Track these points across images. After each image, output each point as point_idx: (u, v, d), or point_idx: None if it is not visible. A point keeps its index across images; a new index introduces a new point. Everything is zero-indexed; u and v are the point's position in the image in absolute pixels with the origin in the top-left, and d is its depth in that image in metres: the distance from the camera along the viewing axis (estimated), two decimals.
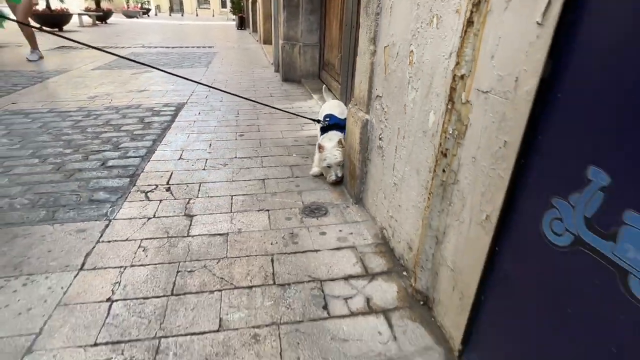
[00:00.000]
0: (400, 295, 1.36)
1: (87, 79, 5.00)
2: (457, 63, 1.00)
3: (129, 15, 24.24)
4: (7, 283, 1.35)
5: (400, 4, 1.37)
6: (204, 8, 39.63)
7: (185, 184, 2.14)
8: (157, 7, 36.34)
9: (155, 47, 8.73)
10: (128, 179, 2.17)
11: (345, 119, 2.18)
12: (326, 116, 2.44)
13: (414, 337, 1.19)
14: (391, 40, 1.47)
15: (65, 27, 12.07)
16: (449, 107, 1.05)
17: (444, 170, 1.11)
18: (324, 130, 2.36)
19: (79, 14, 14.25)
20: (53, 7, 11.61)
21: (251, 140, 2.87)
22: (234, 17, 17.29)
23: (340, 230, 1.75)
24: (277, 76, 5.45)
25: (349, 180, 2.05)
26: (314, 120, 2.59)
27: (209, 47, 9.16)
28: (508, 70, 0.82)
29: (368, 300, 1.34)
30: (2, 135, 2.84)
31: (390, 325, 1.23)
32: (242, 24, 15.37)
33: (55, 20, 11.62)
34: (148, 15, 28.22)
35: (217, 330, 1.19)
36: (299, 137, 2.95)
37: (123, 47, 8.48)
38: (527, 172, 0.76)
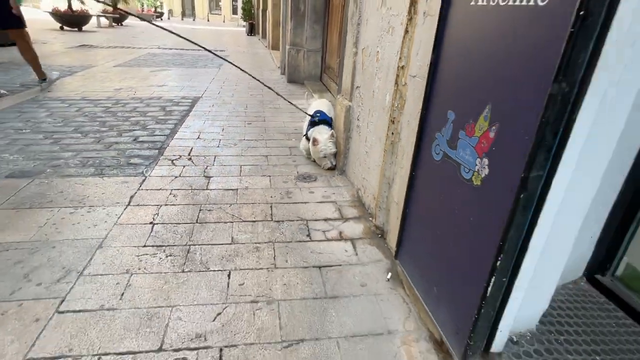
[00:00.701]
0: (365, 231, 1.84)
1: (111, 74, 5.53)
2: (400, 59, 1.49)
3: (143, 18, 25.04)
4: (76, 210, 1.84)
5: (372, 17, 1.87)
6: (216, 14, 40.59)
7: (203, 156, 2.64)
8: (170, 11, 37.34)
9: (170, 49, 9.31)
10: (157, 150, 2.67)
11: (331, 117, 2.68)
12: (316, 112, 2.73)
13: (370, 254, 1.67)
14: (366, 44, 1.97)
15: (84, 28, 12.73)
16: (396, 88, 1.54)
17: (392, 133, 1.59)
18: (312, 124, 2.65)
19: (97, 16, 14.95)
20: (75, 7, 12.28)
21: (257, 128, 3.36)
22: (244, 23, 17.98)
23: (325, 191, 2.23)
24: (283, 78, 5.97)
25: (336, 156, 2.54)
26: (307, 113, 2.98)
27: (221, 50, 9.73)
28: (424, 61, 1.31)
29: (340, 232, 1.82)
30: (47, 116, 3.35)
31: (355, 247, 1.71)
32: (252, 30, 16.02)
33: (76, 21, 12.29)
34: (161, 19, 29.08)
35: (230, 244, 1.67)
36: (299, 127, 3.44)
37: (140, 48, 9.06)
38: (424, 122, 1.25)
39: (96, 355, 1.10)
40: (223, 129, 3.26)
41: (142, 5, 27.86)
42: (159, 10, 31.03)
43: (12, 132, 2.86)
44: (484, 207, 0.93)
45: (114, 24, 16.67)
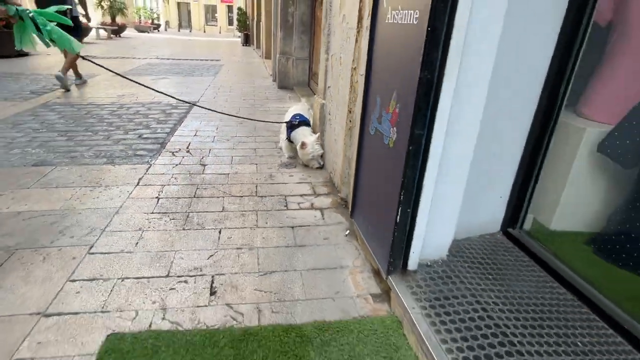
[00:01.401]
0: (332, 203, 2.24)
1: (113, 82, 5.95)
2: (353, 61, 1.92)
3: (140, 30, 25.64)
4: (94, 189, 2.24)
5: (337, 30, 2.30)
6: (212, 25, 41.33)
7: (200, 149, 3.04)
8: (167, 23, 38.02)
9: (168, 59, 9.76)
10: (159, 145, 3.08)
11: (308, 117, 2.99)
12: (295, 115, 2.90)
13: (334, 218, 2.07)
14: (334, 51, 2.40)
15: (84, 40, 13.19)
16: (351, 85, 1.96)
17: (350, 121, 2.01)
18: (292, 127, 2.79)
19: (97, 28, 15.44)
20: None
21: (248, 127, 3.78)
22: (239, 34, 18.54)
23: (303, 175, 2.64)
24: (274, 84, 6.41)
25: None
26: (283, 123, 3.04)
27: (217, 60, 10.21)
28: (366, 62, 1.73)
29: (312, 204, 2.22)
30: (59, 118, 3.75)
31: (322, 214, 2.11)
32: (247, 41, 16.56)
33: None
34: (158, 31, 29.70)
35: (221, 211, 2.07)
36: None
37: (139, 58, 9.51)
38: (365, 108, 1.66)
39: (120, 278, 1.49)
40: (217, 128, 3.67)
41: (140, 17, 28.43)
42: (155, 22, 31.66)
43: (31, 132, 3.26)
44: (395, 161, 1.34)
45: (112, 35, 17.16)
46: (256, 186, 2.42)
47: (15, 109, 3.97)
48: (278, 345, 1.21)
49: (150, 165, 2.65)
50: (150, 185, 2.33)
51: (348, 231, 1.94)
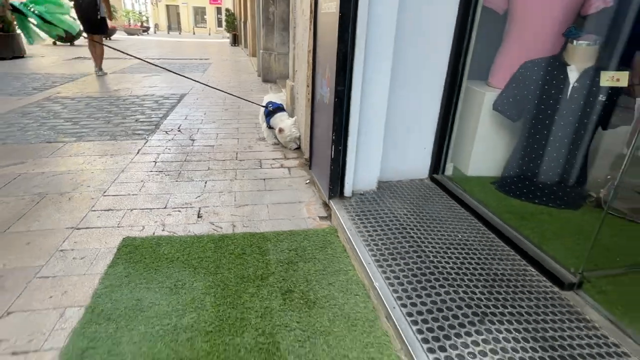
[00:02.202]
0: (299, 164, 2.75)
1: (108, 78, 6.40)
2: (309, 45, 2.42)
3: (130, 32, 25.94)
4: (101, 157, 2.71)
5: (300, 22, 2.80)
6: (201, 27, 41.63)
7: (189, 129, 3.53)
8: (156, 25, 38.24)
9: (159, 59, 10.19)
10: (154, 126, 3.56)
11: (281, 103, 3.33)
12: (268, 103, 3.20)
13: (299, 173, 2.57)
14: (298, 40, 2.90)
15: (75, 42, 13.54)
16: (308, 66, 2.46)
17: (308, 94, 2.51)
18: (269, 114, 3.12)
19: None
20: None
21: (233, 112, 4.27)
22: (228, 35, 18.97)
23: (277, 146, 3.14)
24: (259, 79, 6.90)
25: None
26: (261, 105, 3.41)
27: (206, 59, 10.66)
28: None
29: (282, 164, 2.72)
30: (62, 109, 4.20)
31: (289, 171, 2.61)
32: (235, 41, 17.00)
33: (68, 36, 13.09)
34: (147, 33, 29.98)
35: (207, 170, 2.56)
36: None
37: (131, 59, 9.91)
38: (313, 80, 2.16)
39: (129, 209, 1.97)
40: (205, 113, 4.15)
41: (129, 20, 28.67)
42: (145, 24, 31.92)
43: (40, 119, 3.71)
44: (329, 113, 1.85)
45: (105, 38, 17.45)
46: (236, 153, 2.91)
47: (22, 102, 4.41)
48: (246, 242, 1.71)
49: (147, 140, 3.13)
50: (147, 154, 2.82)
51: (308, 180, 2.44)
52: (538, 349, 1.08)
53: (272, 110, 3.11)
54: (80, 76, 6.64)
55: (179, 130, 3.45)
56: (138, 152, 2.83)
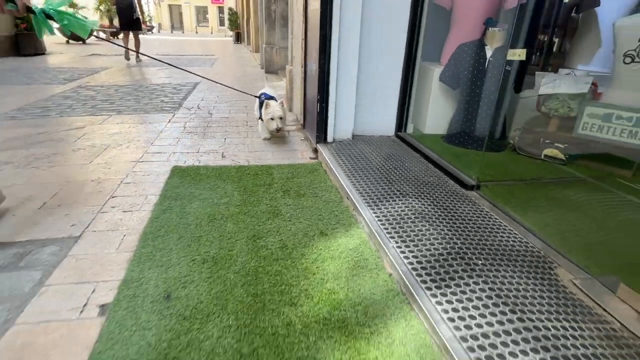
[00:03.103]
0: (297, 128, 3.50)
1: (127, 71, 7.16)
2: (301, 35, 3.17)
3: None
4: (141, 124, 3.48)
5: (295, 17, 3.56)
6: (203, 26, 42.40)
7: (206, 107, 4.29)
8: (159, 25, 39.02)
9: (167, 55, 10.96)
10: (177, 104, 4.32)
11: (273, 96, 3.14)
12: (261, 94, 3.22)
13: (296, 135, 3.33)
14: (295, 32, 3.66)
15: (87, 41, 14.32)
16: (302, 52, 3.22)
17: (302, 73, 3.27)
18: (261, 106, 3.00)
19: (97, 30, 16.56)
20: None
21: (242, 96, 5.02)
22: (231, 33, 19.72)
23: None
24: (262, 71, 7.66)
25: (288, 102, 4.20)
26: (254, 95, 3.59)
27: (211, 55, 11.42)
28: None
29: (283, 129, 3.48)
30: (95, 94, 4.97)
31: (289, 133, 3.37)
32: (238, 39, 17.76)
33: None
34: (152, 32, 30.76)
35: (225, 132, 3.31)
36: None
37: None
38: (305, 61, 2.91)
39: (172, 153, 2.73)
40: (218, 96, 4.92)
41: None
42: (149, 24, 32.71)
43: (81, 100, 4.48)
44: (316, 82, 2.60)
45: (110, 37, 18.26)
46: (246, 122, 3.67)
47: (58, 90, 5.18)
48: (258, 169, 2.47)
49: (174, 114, 3.89)
50: (177, 122, 3.58)
51: (302, 138, 3.20)
52: (450, 225, 1.83)
53: (263, 100, 3.00)
54: (101, 70, 7.41)
55: (199, 108, 4.22)
56: (169, 122, 3.59)
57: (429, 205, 1.87)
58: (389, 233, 1.60)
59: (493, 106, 2.75)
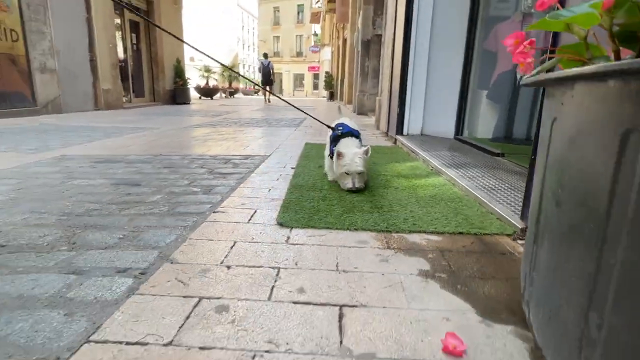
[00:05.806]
0: (380, 134, 4.88)
1: (246, 112, 9.44)
2: (389, 77, 4.66)
3: (245, 93, 31.93)
4: (275, 130, 5.18)
5: (385, 67, 5.09)
6: (299, 90, 48.10)
7: (316, 129, 5.94)
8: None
9: (275, 106, 13.53)
10: (295, 125, 6.05)
11: (357, 130, 2.48)
12: (338, 125, 2.46)
13: (382, 136, 4.70)
14: (384, 74, 5.18)
15: (213, 97, 18.08)
16: (390, 79, 4.68)
17: (387, 98, 4.71)
18: (335, 140, 2.30)
19: (221, 89, 20.68)
20: (211, 84, 17.77)
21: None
22: (325, 92, 22.70)
23: (373, 133, 5.33)
24: (354, 113, 9.38)
25: (378, 120, 5.63)
26: (328, 126, 2.64)
27: (312, 107, 13.78)
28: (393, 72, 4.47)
29: (372, 133, 4.88)
30: (237, 120, 7.00)
31: (376, 136, 4.75)
32: (332, 97, 20.44)
33: (210, 92, 17.67)
34: (257, 94, 36.27)
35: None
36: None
37: (251, 105, 13.38)
38: (391, 85, 4.35)
39: (300, 141, 4.28)
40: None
41: (246, 85, 35.13)
42: (256, 88, 38.54)
43: (232, 121, 6.47)
44: (398, 96, 3.99)
45: (229, 96, 22.44)
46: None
47: (216, 119, 7.38)
48: None
49: (295, 129, 5.58)
50: (299, 132, 5.22)
51: (386, 138, 4.55)
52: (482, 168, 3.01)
53: (340, 134, 2.31)
54: (232, 112, 9.86)
55: (311, 126, 5.88)
56: (294, 131, 5.25)
57: (470, 159, 3.03)
58: (443, 164, 2.82)
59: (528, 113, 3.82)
